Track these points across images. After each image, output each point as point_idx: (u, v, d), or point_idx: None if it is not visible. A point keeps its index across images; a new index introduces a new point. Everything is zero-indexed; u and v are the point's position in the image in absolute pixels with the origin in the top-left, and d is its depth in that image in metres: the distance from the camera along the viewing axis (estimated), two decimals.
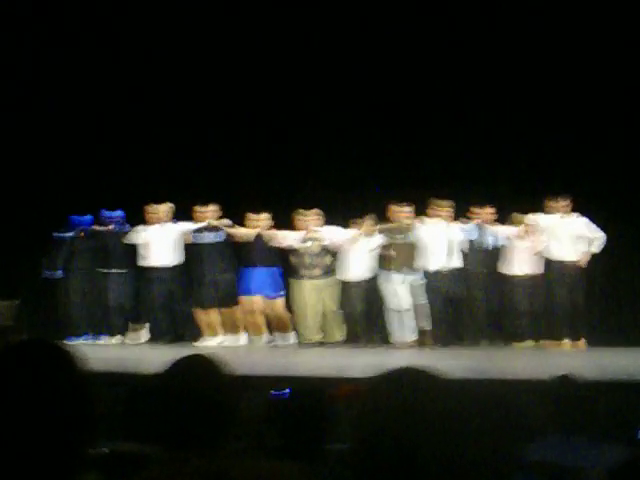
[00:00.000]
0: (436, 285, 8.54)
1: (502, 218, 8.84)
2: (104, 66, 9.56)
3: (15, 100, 9.66)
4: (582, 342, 8.49)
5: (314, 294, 8.61)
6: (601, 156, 8.95)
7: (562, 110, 9.03)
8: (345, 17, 9.24)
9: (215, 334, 8.76)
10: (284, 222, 8.93)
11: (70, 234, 9.21)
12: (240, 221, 8.97)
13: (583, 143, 8.95)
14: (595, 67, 8.87)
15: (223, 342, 8.73)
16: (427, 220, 8.66)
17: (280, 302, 8.73)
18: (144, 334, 9.16)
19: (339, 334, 8.70)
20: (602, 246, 8.60)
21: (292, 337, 8.77)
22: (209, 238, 8.89)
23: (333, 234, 8.69)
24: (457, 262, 8.60)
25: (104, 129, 9.71)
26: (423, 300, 8.52)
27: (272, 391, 2.89)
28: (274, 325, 8.79)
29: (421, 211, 8.75)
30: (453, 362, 6.58)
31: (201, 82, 9.60)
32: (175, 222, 9.03)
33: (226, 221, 8.93)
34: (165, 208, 9.02)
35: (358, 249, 8.59)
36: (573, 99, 9.00)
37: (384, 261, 8.60)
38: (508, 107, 9.17)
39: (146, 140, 9.70)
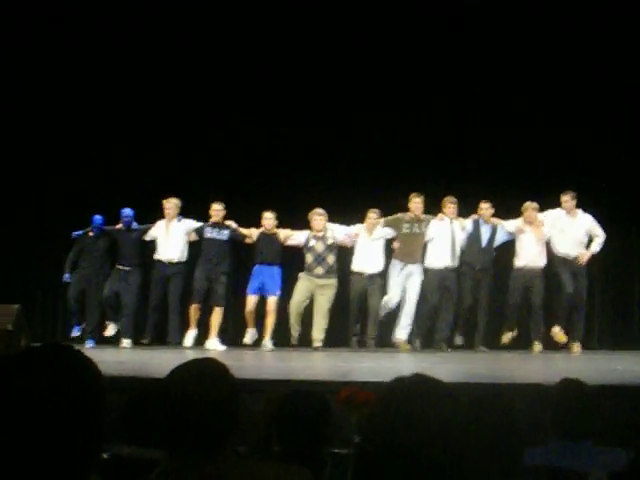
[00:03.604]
0: (435, 283, 8.58)
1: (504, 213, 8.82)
2: (111, 68, 9.55)
3: (20, 101, 9.64)
4: (577, 346, 8.45)
5: (305, 291, 8.65)
6: (612, 154, 8.93)
7: (569, 106, 9.04)
8: (344, 14, 9.25)
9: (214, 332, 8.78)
10: (286, 221, 8.98)
11: (79, 233, 9.22)
12: (248, 220, 9.00)
13: (593, 140, 8.93)
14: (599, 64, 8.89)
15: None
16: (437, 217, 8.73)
17: (273, 300, 8.74)
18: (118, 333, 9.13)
19: (318, 340, 8.63)
20: (602, 245, 8.57)
21: (252, 333, 8.76)
22: (215, 235, 8.92)
23: (336, 232, 8.78)
24: (455, 260, 8.65)
25: (112, 128, 9.67)
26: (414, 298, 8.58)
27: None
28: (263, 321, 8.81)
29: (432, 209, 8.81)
30: (453, 366, 6.56)
31: (206, 81, 9.57)
32: (180, 219, 9.05)
33: (231, 223, 8.98)
34: (170, 205, 9.01)
35: (361, 243, 8.73)
36: (581, 95, 9.00)
37: (392, 252, 8.75)
38: (513, 102, 9.17)
39: (156, 139, 9.68)
